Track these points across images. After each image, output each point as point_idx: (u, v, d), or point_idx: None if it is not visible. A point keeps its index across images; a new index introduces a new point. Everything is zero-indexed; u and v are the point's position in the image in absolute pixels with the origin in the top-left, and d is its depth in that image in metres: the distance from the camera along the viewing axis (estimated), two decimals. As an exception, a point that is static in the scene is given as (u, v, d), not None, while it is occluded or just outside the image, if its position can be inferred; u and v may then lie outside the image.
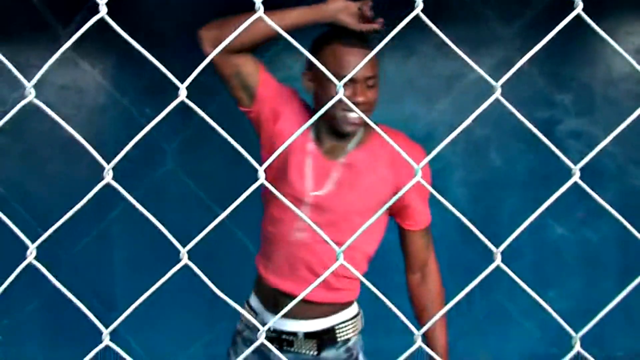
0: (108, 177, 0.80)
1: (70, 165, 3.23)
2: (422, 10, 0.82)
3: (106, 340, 0.83)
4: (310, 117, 1.67)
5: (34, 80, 0.77)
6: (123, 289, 3.29)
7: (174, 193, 3.27)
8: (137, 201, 0.83)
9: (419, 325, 1.72)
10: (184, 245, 0.83)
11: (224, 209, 0.83)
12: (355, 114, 1.56)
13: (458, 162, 3.30)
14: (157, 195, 3.20)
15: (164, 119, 0.82)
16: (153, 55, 0.80)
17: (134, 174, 3.03)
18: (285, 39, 0.87)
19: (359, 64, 1.54)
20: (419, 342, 0.81)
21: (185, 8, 3.18)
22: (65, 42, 0.83)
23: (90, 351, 0.91)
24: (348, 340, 1.74)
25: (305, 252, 1.66)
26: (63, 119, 0.81)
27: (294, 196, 1.62)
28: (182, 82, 0.81)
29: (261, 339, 0.81)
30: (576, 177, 0.78)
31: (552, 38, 0.83)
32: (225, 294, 0.85)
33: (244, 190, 0.81)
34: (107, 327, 0.84)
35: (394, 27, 0.82)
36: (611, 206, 0.85)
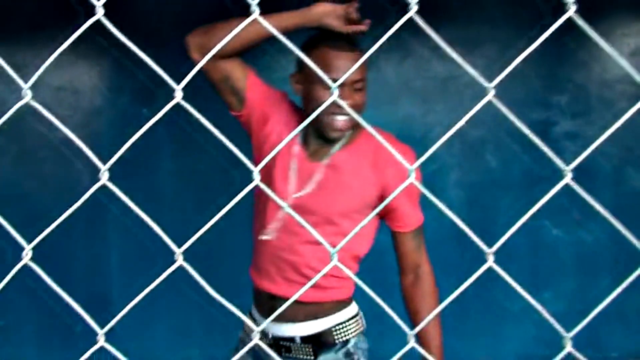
0: (104, 179, 0.80)
1: (66, 166, 3.23)
2: (417, 12, 0.82)
3: (101, 341, 0.83)
4: (300, 119, 1.68)
5: (31, 82, 0.77)
6: (118, 290, 3.29)
7: (169, 194, 3.27)
8: (133, 202, 0.83)
9: (413, 326, 1.72)
10: (179, 247, 0.83)
11: (219, 211, 0.83)
12: (342, 119, 1.58)
13: (453, 164, 3.31)
14: (153, 197, 3.20)
15: (160, 120, 0.82)
16: (149, 56, 0.80)
17: (130, 175, 3.03)
18: (272, 43, 0.87)
19: (346, 67, 1.55)
20: (412, 342, 0.81)
21: (182, 9, 3.18)
22: (62, 43, 0.83)
23: (85, 352, 0.91)
24: (347, 342, 1.74)
25: (290, 254, 1.67)
26: (59, 120, 0.82)
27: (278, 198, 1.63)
28: (178, 83, 0.82)
29: (255, 339, 0.81)
30: (568, 179, 0.78)
31: (547, 39, 0.84)
32: (223, 296, 0.85)
33: (239, 192, 0.81)
34: (102, 328, 0.84)
35: (388, 29, 0.83)
36: (607, 208, 0.85)
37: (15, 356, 3.31)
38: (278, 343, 1.74)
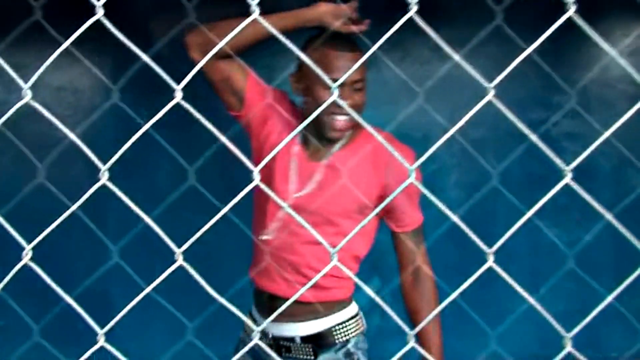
0: (104, 178, 0.80)
1: (66, 166, 3.22)
2: (418, 12, 0.82)
3: (101, 341, 0.83)
4: (299, 119, 1.67)
5: (31, 82, 0.77)
6: (118, 290, 3.28)
7: (169, 194, 3.27)
8: (133, 202, 0.83)
9: (413, 326, 1.72)
10: (179, 247, 0.83)
11: (219, 211, 0.83)
12: (342, 119, 1.58)
13: (453, 164, 3.31)
14: (153, 197, 3.19)
15: (160, 120, 0.82)
16: (149, 56, 0.80)
17: (130, 175, 3.03)
18: (274, 43, 0.87)
19: (346, 67, 1.55)
20: (412, 342, 0.81)
21: (182, 9, 3.18)
22: (62, 43, 0.83)
23: (85, 352, 0.91)
24: (347, 342, 1.73)
25: (290, 254, 1.67)
26: (59, 120, 0.82)
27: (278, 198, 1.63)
28: (178, 83, 0.82)
29: (255, 339, 0.81)
30: (568, 179, 0.78)
31: (548, 39, 0.84)
32: (223, 296, 0.85)
33: (239, 192, 0.81)
34: (102, 328, 0.84)
35: (389, 29, 0.83)
36: (607, 208, 0.85)
37: (15, 356, 3.31)
38: (278, 343, 1.74)
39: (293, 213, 0.90)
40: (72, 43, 0.86)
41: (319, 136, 1.64)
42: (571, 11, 0.77)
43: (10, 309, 3.26)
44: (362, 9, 1.60)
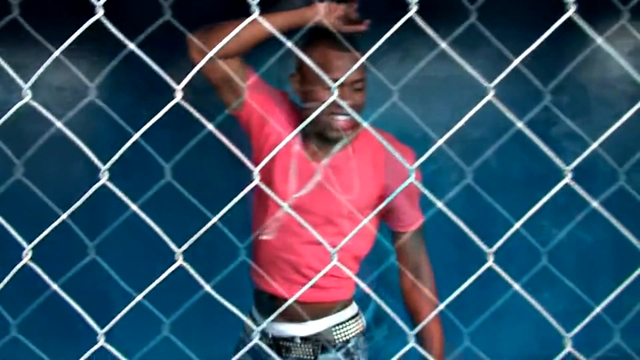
0: (104, 179, 0.80)
1: (66, 166, 3.22)
2: (418, 12, 0.82)
3: (101, 341, 0.84)
4: (300, 119, 1.67)
5: (31, 82, 0.77)
6: (118, 290, 3.28)
7: (169, 194, 3.27)
8: (132, 202, 0.84)
9: (413, 326, 1.71)
10: (179, 247, 0.83)
11: (219, 211, 0.83)
12: (342, 119, 1.58)
13: (453, 164, 3.31)
14: (153, 197, 3.19)
15: (160, 120, 0.82)
16: (149, 56, 0.80)
17: (130, 175, 3.03)
18: (274, 44, 0.87)
19: (346, 66, 1.55)
20: (412, 342, 0.81)
21: (182, 9, 3.18)
22: (62, 43, 0.83)
23: (85, 352, 0.91)
24: (347, 342, 1.74)
25: (290, 254, 1.67)
26: (59, 120, 0.82)
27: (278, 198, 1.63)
28: (178, 83, 0.82)
29: (255, 339, 0.81)
30: (568, 179, 0.78)
31: (547, 39, 0.84)
32: (223, 296, 0.85)
33: (239, 192, 0.81)
34: (102, 328, 0.84)
35: (389, 29, 0.83)
36: (607, 207, 0.85)
37: (15, 356, 3.30)
38: (278, 343, 1.74)
39: (293, 213, 0.90)
40: (72, 43, 0.86)
41: (319, 136, 1.63)
42: (571, 11, 0.77)
43: (10, 309, 3.26)
44: (362, 9, 1.60)
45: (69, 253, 3.22)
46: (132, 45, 0.81)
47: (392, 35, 0.83)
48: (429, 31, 0.81)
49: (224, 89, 1.65)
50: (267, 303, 1.73)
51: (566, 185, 0.81)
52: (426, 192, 0.83)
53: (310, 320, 1.71)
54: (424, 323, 0.94)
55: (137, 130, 0.82)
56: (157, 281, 0.83)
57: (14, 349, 3.29)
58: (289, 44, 0.86)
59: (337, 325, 1.72)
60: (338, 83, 0.87)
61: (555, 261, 3.34)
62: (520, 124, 0.80)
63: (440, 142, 0.82)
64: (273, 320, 1.64)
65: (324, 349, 1.72)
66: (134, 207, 0.83)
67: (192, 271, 0.82)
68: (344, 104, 0.89)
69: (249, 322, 1.70)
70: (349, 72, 0.95)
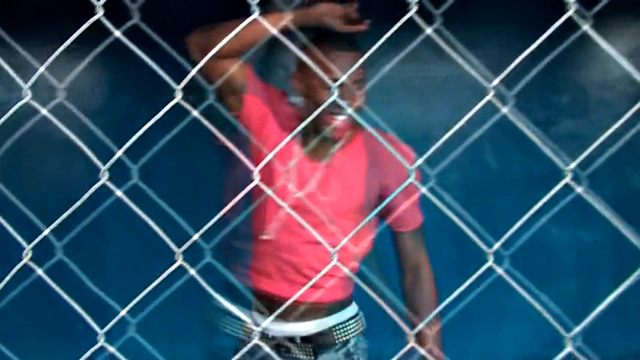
0: (104, 179, 0.80)
1: (66, 166, 3.22)
2: (417, 11, 0.82)
3: (101, 341, 0.84)
4: (300, 119, 1.67)
5: (31, 82, 0.77)
6: (118, 290, 3.28)
7: (169, 194, 3.27)
8: (133, 202, 0.84)
9: (413, 326, 1.71)
10: (179, 247, 0.83)
11: (219, 211, 0.83)
12: (342, 119, 1.57)
13: (453, 164, 3.30)
14: (152, 197, 3.19)
15: (160, 120, 0.82)
16: (149, 56, 0.80)
17: (130, 175, 3.03)
18: (274, 44, 0.87)
19: (346, 67, 1.55)
20: (411, 342, 0.81)
21: (182, 9, 3.18)
22: (62, 43, 0.83)
23: (85, 352, 0.91)
24: (347, 342, 1.74)
25: (290, 254, 1.67)
26: (59, 120, 0.82)
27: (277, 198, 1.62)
28: (178, 83, 0.82)
29: (255, 339, 0.81)
30: (568, 179, 0.78)
31: (547, 39, 0.84)
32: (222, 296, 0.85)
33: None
34: (102, 328, 0.84)
35: (389, 29, 0.83)
36: (607, 207, 0.85)
37: (15, 356, 3.30)
38: (278, 343, 1.73)
39: (293, 213, 0.90)
40: (72, 43, 0.86)
41: (320, 136, 1.63)
42: (570, 11, 0.77)
43: (10, 308, 3.26)
44: (362, 9, 1.60)
45: (69, 253, 3.23)
46: (132, 46, 0.81)
47: (392, 35, 0.83)
48: (429, 31, 0.81)
49: (224, 89, 1.65)
50: (267, 303, 1.73)
51: (566, 185, 0.81)
52: (426, 192, 0.83)
53: (310, 320, 1.71)
54: (424, 323, 0.94)
55: (137, 130, 0.82)
56: (157, 281, 0.83)
57: (14, 349, 3.29)
58: (290, 43, 0.86)
59: (337, 325, 1.72)
60: (338, 83, 0.87)
61: (556, 261, 3.35)
62: (520, 124, 0.80)
63: (440, 141, 0.82)
64: (273, 320, 1.64)
65: (324, 349, 1.72)
66: (134, 207, 0.83)
67: (192, 271, 0.82)
68: (343, 104, 0.89)
69: (249, 322, 1.70)
70: (349, 72, 0.95)
